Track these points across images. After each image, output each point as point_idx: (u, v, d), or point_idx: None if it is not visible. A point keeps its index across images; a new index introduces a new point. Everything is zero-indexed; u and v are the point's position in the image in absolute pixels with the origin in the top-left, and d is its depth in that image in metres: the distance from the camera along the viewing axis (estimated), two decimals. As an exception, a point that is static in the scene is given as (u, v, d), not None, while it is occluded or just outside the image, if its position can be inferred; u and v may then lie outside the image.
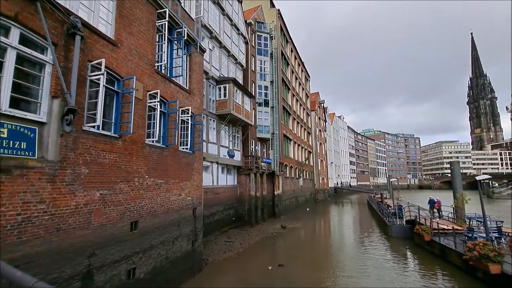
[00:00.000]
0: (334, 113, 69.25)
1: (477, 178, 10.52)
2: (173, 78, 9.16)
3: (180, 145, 9.55)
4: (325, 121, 58.51)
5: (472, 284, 8.70)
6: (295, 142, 33.87)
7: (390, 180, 32.39)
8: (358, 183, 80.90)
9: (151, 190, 7.62)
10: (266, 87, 24.87)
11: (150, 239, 7.40)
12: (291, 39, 35.35)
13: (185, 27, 9.56)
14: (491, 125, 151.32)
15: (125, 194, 6.63)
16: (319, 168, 47.84)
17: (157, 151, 8.04)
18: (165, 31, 8.51)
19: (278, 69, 27.27)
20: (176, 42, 9.65)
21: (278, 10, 30.40)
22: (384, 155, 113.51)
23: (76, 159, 5.36)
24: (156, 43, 8.48)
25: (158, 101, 7.95)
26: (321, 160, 50.26)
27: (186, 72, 10.43)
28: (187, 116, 9.84)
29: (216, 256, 11.86)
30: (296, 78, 37.86)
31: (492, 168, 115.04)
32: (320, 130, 51.50)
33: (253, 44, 24.37)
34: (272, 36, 26.41)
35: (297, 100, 37.04)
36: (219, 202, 16.57)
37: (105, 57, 6.15)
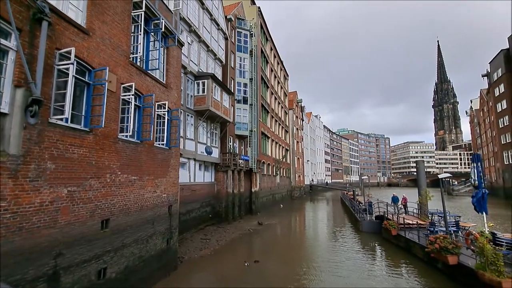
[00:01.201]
0: (311, 112, 70.92)
1: (439, 176, 11.37)
2: (149, 71, 8.85)
3: (156, 141, 9.28)
4: (302, 120, 59.75)
5: (432, 275, 9.42)
6: (273, 140, 34.26)
7: (362, 178, 33.92)
8: (333, 180, 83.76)
9: (123, 187, 7.34)
10: (245, 85, 24.85)
11: (122, 238, 7.14)
12: (271, 37, 35.54)
13: (162, 19, 9.26)
14: (453, 127, 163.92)
15: (96, 191, 6.33)
16: (296, 166, 48.85)
17: (131, 147, 7.75)
18: (141, 21, 8.18)
19: (258, 67, 27.34)
20: (153, 33, 9.33)
21: (259, 7, 30.41)
22: (357, 154, 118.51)
23: (41, 154, 5.01)
24: (132, 34, 8.13)
25: (132, 94, 7.64)
26: (298, 158, 51.35)
27: (163, 66, 10.12)
28: (163, 111, 9.57)
29: (192, 253, 11.73)
30: (275, 77, 38.21)
31: (452, 168, 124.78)
32: (297, 129, 52.52)
33: (233, 41, 24.19)
34: (252, 34, 26.39)
35: (275, 99, 37.42)
36: (196, 199, 16.37)
37: (75, 45, 5.79)
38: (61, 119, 5.52)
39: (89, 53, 6.32)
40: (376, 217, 17.62)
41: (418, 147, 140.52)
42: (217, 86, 17.94)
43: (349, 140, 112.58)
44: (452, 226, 11.47)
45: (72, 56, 5.49)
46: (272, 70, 36.22)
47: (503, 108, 41.80)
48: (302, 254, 13.11)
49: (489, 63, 46.88)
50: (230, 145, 22.28)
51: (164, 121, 9.73)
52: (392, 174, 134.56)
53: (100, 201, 6.44)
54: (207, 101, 16.75)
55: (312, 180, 63.02)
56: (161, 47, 9.87)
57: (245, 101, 24.63)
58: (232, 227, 17.87)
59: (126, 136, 7.63)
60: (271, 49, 36.62)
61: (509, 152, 40.55)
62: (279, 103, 39.55)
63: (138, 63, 8.44)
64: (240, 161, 22.42)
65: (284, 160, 40.19)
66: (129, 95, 7.61)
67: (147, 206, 8.41)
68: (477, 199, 10.04)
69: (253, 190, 25.12)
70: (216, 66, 20.43)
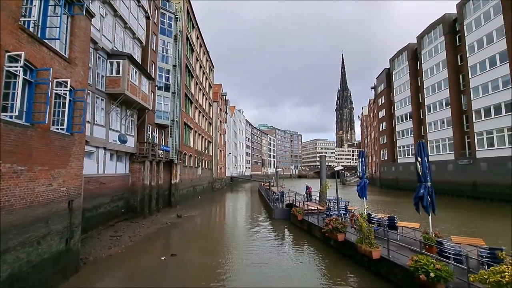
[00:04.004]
0: (234, 106, 72.40)
1: (335, 169, 13.73)
2: (46, 41, 7.36)
3: (54, 125, 7.87)
4: (226, 113, 60.43)
5: (326, 250, 11.41)
6: (195, 131, 33.52)
7: (277, 170, 37.15)
8: (252, 172, 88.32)
9: (6, 179, 6.00)
10: (168, 71, 23.37)
11: (4, 241, 5.86)
12: (197, 25, 34.31)
13: (68, -19, 7.81)
14: (349, 128, 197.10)
15: (-37, 185, 4.98)
16: (218, 158, 49.27)
17: (16, 130, 6.35)
18: (37, -22, 6.71)
19: (182, 53, 26.06)
20: (53, -4, 7.76)
21: (186, -9, 28.83)
22: (274, 148, 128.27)
23: None
24: (23, -8, 6.58)
25: (21, 66, 6.24)
26: (220, 150, 51.87)
27: (66, 37, 8.57)
28: (64, 90, 8.16)
29: (99, 253, 10.54)
30: (201, 67, 37.25)
31: (347, 162, 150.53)
32: (220, 121, 52.84)
33: (155, 21, 22.28)
34: (177, 18, 24.90)
35: (200, 89, 36.56)
36: (105, 193, 14.61)
37: None
38: None
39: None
40: (286, 205, 19.77)
41: (323, 144, 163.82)
42: (134, 68, 16.28)
43: (268, 135, 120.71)
44: (342, 210, 14.07)
45: None
46: (197, 60, 35.12)
47: (383, 116, 52.97)
48: (221, 243, 13.58)
49: (376, 78, 58.40)
50: (149, 134, 20.68)
51: (66, 102, 8.32)
52: (302, 167, 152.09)
53: (-32, 197, 5.10)
54: (122, 84, 15.04)
55: (232, 173, 64.84)
56: (64, 14, 8.32)
57: (167, 88, 23.19)
58: (148, 222, 16.82)
59: (11, 117, 6.22)
60: (197, 38, 35.41)
61: (385, 150, 51.86)
62: (203, 94, 38.81)
63: (32, 30, 6.92)
64: (160, 151, 21.13)
65: (206, 152, 39.92)
66: (17, 66, 6.19)
67: (39, 202, 7.10)
68: (360, 187, 12.66)
69: (173, 182, 24.09)
70: (134, 47, 18.44)
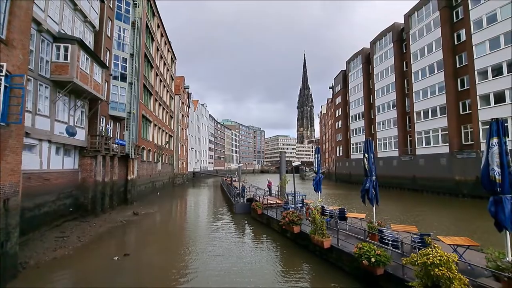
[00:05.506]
0: (197, 100, 70.63)
1: (293, 164, 14.44)
2: (-24, 19, 6.45)
3: (-14, 115, 6.96)
4: (189, 107, 58.73)
5: (283, 241, 12.01)
6: (155, 125, 32.04)
7: (239, 165, 37.46)
8: (215, 168, 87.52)
9: None
10: (124, 59, 21.91)
11: None
12: (158, 13, 32.57)
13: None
14: (309, 126, 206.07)
15: None
16: (179, 153, 47.82)
17: None
18: None
19: (141, 42, 24.58)
20: (-15, -33, 6.80)
21: (146, -25, 27.11)
22: (237, 144, 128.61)
23: None
24: None
25: None
26: (182, 145, 50.38)
27: (4, 16, 7.58)
28: None
29: (42, 256, 9.65)
30: (162, 57, 35.53)
31: (307, 158, 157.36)
32: (183, 115, 51.22)
33: (111, 6, 20.64)
34: (136, 3, 23.36)
35: (160, 81, 34.92)
36: (50, 190, 13.31)
37: None
38: None
39: None
40: (247, 199, 20.17)
41: (285, 140, 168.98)
42: (85, 54, 14.96)
43: (232, 131, 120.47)
44: (299, 204, 14.88)
45: None
46: (158, 50, 33.40)
47: (339, 114, 56.54)
48: (181, 240, 13.37)
49: (334, 79, 61.92)
50: (102, 127, 19.26)
51: (0, 89, 7.40)
52: (265, 162, 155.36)
53: None
54: (71, 71, 13.74)
55: (194, 168, 63.54)
56: (-1, -11, 7.34)
57: (123, 78, 21.75)
58: (101, 220, 15.76)
59: None
60: (159, 26, 33.63)
61: (340, 147, 55.55)
62: (164, 86, 37.14)
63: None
64: (114, 145, 19.82)
65: (167, 146, 38.44)
66: None
67: (-32, 202, 6.28)
68: (315, 182, 13.52)
69: (129, 177, 22.82)
70: (86, 31, 16.89)
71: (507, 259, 5.92)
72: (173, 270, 8.91)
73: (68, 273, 8.80)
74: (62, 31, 14.09)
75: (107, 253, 10.57)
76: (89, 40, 17.31)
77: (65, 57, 13.67)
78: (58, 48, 13.57)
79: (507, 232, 5.99)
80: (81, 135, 16.26)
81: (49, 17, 13.02)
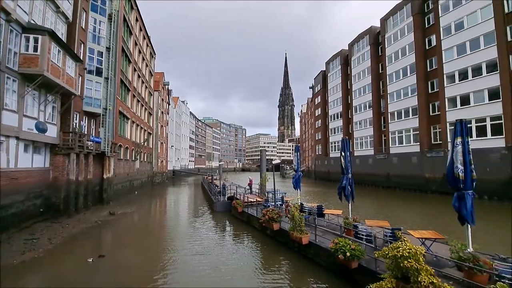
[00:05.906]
0: (178, 97, 69.23)
1: (273, 162, 14.68)
2: None
3: None
4: (169, 104, 57.41)
5: (263, 239, 12.21)
6: (133, 122, 31.02)
7: (220, 163, 37.32)
8: (196, 166, 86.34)
9: None
10: (100, 53, 20.99)
11: None
12: (137, 6, 31.49)
13: None
14: (290, 124, 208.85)
15: None
16: (159, 151, 46.68)
17: None
18: None
19: (119, 36, 23.66)
20: None
21: (124, -34, 26.07)
22: (219, 142, 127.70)
23: None
24: None
25: None
26: (162, 143, 49.21)
27: (-35, 3, 7.04)
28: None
29: (9, 260, 9.10)
30: (140, 52, 34.41)
31: (288, 156, 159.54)
32: (162, 112, 50.00)
33: (85, -5, 19.64)
34: (113, -5, 22.40)
35: (139, 76, 33.82)
36: (18, 190, 12.55)
37: None
38: None
39: None
40: (228, 198, 20.18)
41: (266, 139, 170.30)
42: (57, 46, 14.19)
43: (213, 128, 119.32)
44: (279, 201, 15.16)
45: None
46: (136, 44, 32.30)
47: (318, 114, 57.91)
48: (160, 240, 13.14)
49: (314, 78, 63.22)
50: (76, 123, 18.38)
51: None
52: (246, 161, 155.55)
53: None
54: (41, 64, 12.99)
55: (174, 166, 62.34)
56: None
57: (99, 72, 20.84)
58: (74, 221, 15.09)
59: None
60: (137, 20, 32.50)
61: (319, 146, 56.96)
62: (143, 82, 36.01)
63: None
64: (89, 143, 18.99)
65: (146, 144, 37.36)
66: None
67: None
68: (295, 180, 13.86)
69: (105, 176, 21.95)
70: (58, 22, 15.99)
71: (468, 250, 6.46)
72: (151, 271, 8.78)
73: (37, 277, 8.39)
74: (32, 21, 13.26)
75: (81, 255, 10.14)
76: (61, 31, 16.41)
77: (35, 49, 12.90)
78: (28, 39, 12.77)
79: (469, 226, 6.54)
80: (52, 132, 15.43)
81: (19, 6, 12.21)
